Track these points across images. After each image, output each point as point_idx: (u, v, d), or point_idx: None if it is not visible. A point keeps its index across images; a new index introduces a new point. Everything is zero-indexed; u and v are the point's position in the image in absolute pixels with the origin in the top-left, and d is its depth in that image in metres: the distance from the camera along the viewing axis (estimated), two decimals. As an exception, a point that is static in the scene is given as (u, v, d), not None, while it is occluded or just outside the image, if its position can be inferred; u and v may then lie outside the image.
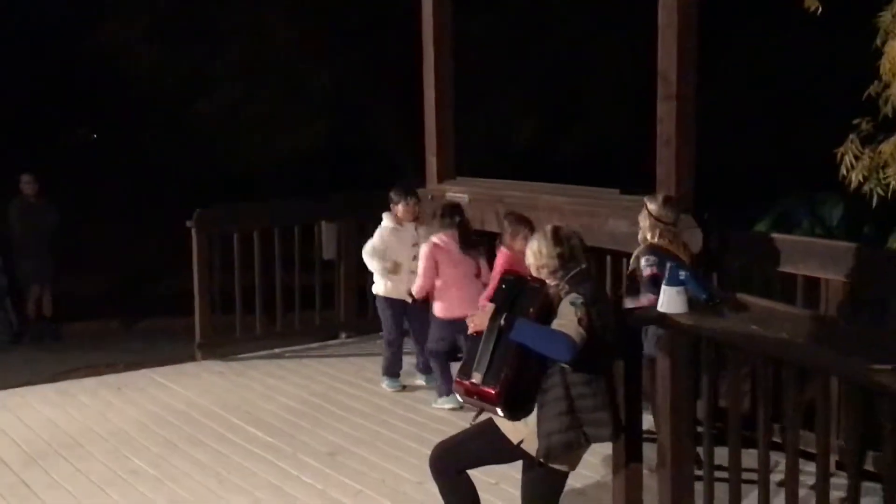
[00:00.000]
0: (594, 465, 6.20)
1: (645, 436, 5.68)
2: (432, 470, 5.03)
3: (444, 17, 8.79)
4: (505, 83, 16.60)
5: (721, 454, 5.29)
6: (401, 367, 8.28)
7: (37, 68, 21.43)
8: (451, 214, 7.68)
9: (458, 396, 5.37)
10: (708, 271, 6.65)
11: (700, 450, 5.46)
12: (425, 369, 8.27)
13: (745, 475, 5.10)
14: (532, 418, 4.71)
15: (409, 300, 7.94)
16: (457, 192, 8.54)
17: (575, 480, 5.95)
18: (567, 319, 4.56)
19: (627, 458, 5.42)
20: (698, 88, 6.83)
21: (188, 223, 9.02)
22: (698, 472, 5.42)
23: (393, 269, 7.98)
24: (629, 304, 6.07)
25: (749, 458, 5.10)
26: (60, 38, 20.33)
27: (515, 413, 4.73)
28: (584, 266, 4.84)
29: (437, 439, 5.49)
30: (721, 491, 5.16)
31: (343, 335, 9.89)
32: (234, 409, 7.79)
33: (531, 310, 4.69)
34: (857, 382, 4.69)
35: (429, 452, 5.09)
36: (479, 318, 4.77)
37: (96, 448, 7.03)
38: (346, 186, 9.23)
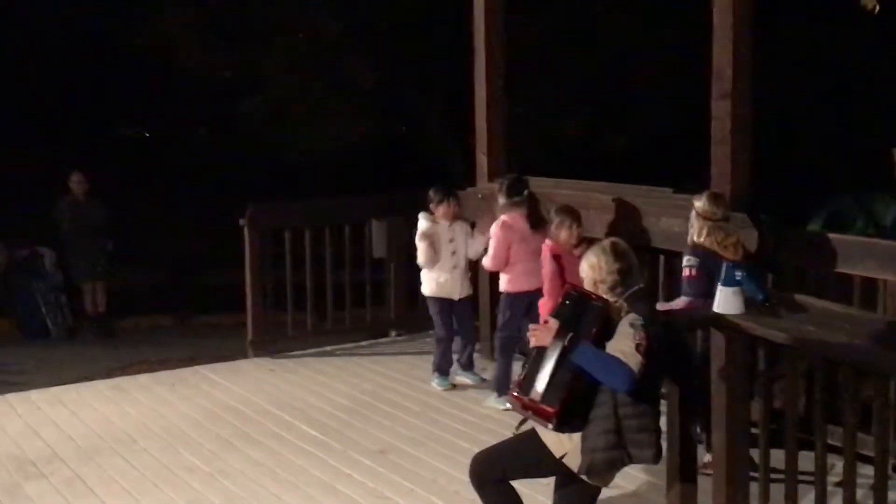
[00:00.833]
0: (646, 466, 6.14)
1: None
2: (472, 480, 5.00)
3: (496, 14, 8.76)
4: (555, 77, 16.55)
5: (776, 456, 5.25)
6: (450, 365, 8.29)
7: (87, 65, 21.63)
8: (519, 190, 7.62)
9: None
10: (764, 271, 6.59)
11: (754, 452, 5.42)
12: (467, 366, 8.32)
13: (800, 477, 5.07)
14: (577, 433, 4.70)
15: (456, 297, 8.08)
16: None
17: (627, 482, 5.95)
18: (626, 346, 4.53)
19: (682, 460, 5.39)
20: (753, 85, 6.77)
21: (241, 221, 9.06)
22: (752, 474, 5.40)
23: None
24: (661, 306, 6.02)
25: (804, 460, 5.07)
26: (111, 36, 20.50)
27: (564, 428, 4.72)
28: (642, 285, 4.84)
29: (489, 439, 5.49)
30: (776, 493, 5.12)
31: (393, 333, 9.91)
32: (286, 407, 7.83)
33: (593, 330, 4.67)
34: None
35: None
36: (542, 334, 4.75)
37: (150, 444, 7.09)
38: (395, 184, 9.23)
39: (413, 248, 8.31)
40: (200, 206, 16.71)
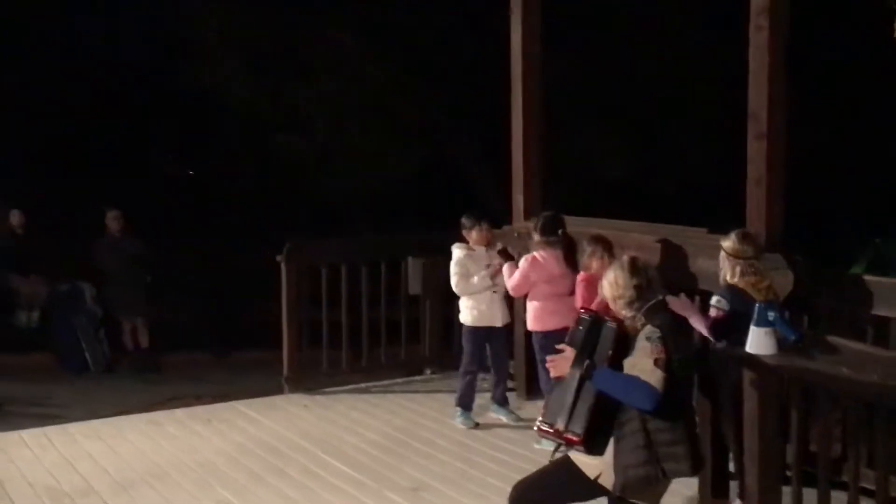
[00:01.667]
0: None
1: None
2: None
3: (532, 53, 8.80)
4: (597, 119, 16.58)
5: (809, 498, 5.21)
6: (473, 400, 8.26)
7: (132, 103, 21.95)
8: (553, 230, 7.64)
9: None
10: (798, 312, 6.55)
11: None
12: (501, 401, 8.30)
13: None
14: (608, 452, 4.69)
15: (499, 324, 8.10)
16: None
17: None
18: (644, 362, 4.52)
19: (714, 496, 5.35)
20: (794, 127, 6.75)
21: (278, 257, 9.13)
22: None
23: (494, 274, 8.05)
24: None
25: (837, 503, 5.02)
26: (156, 73, 20.82)
27: (595, 450, 4.72)
28: (660, 298, 4.80)
29: (522, 477, 5.46)
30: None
31: (428, 370, 9.91)
32: (319, 443, 7.84)
33: (610, 352, 4.67)
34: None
35: (513, 490, 5.07)
36: (559, 364, 4.77)
37: (184, 478, 7.12)
38: (436, 222, 9.25)
39: (449, 287, 8.32)
40: (242, 242, 16.84)
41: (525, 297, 7.88)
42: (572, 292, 7.42)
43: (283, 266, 9.14)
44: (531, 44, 8.80)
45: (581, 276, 7.16)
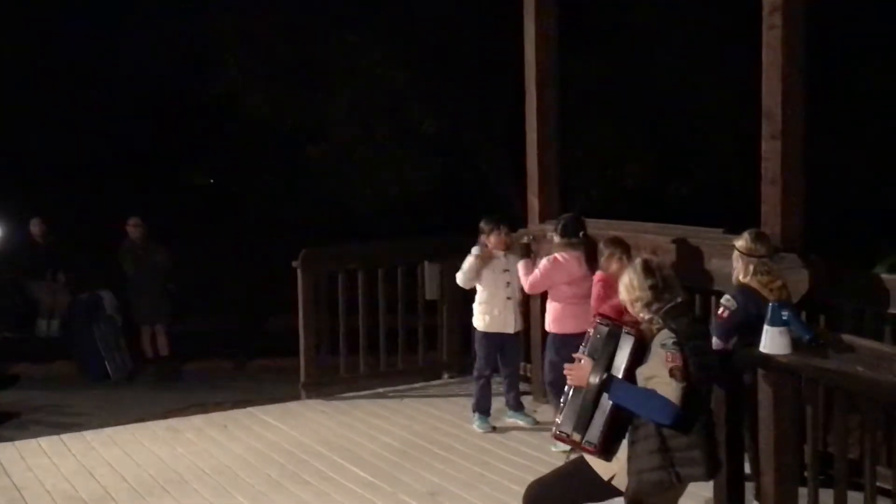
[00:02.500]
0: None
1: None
2: None
3: (547, 57, 8.78)
4: (618, 122, 16.54)
5: (826, 499, 5.14)
6: (490, 404, 8.24)
7: (158, 114, 22.10)
8: (575, 231, 7.60)
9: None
10: (815, 312, 6.48)
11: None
12: (516, 406, 8.27)
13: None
14: (623, 453, 4.65)
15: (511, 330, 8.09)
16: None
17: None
18: (660, 373, 4.46)
19: (729, 500, 5.30)
20: (815, 128, 6.68)
21: (294, 263, 9.13)
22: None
23: (484, 256, 7.99)
24: None
25: (854, 502, 4.95)
26: (181, 85, 20.95)
27: (611, 456, 4.70)
28: (679, 300, 4.71)
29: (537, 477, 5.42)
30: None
31: (446, 375, 9.88)
32: (336, 448, 7.83)
33: (628, 361, 4.60)
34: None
35: (531, 496, 5.05)
36: (576, 374, 4.72)
37: (201, 484, 7.12)
38: (458, 228, 9.23)
39: (466, 291, 8.30)
40: (265, 250, 16.91)
41: (542, 300, 7.83)
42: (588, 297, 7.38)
43: (299, 272, 9.14)
44: (545, 48, 8.77)
45: (598, 275, 7.11)
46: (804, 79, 6.66)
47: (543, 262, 7.62)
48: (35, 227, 14.16)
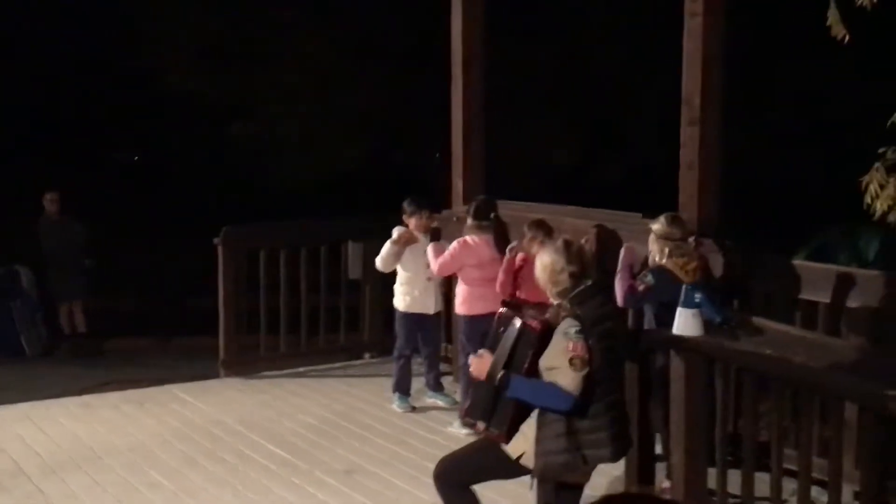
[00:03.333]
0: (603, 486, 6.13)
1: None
2: (436, 483, 5.05)
3: (473, 39, 8.79)
4: (546, 106, 16.64)
5: (734, 480, 5.25)
6: (409, 384, 8.28)
7: (81, 90, 21.72)
8: (486, 214, 7.65)
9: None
10: (731, 296, 6.59)
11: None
12: (435, 387, 8.32)
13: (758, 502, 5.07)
14: (531, 433, 4.70)
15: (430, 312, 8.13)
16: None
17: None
18: (559, 362, 4.50)
19: (639, 479, 5.39)
20: (734, 115, 6.79)
21: (215, 241, 9.06)
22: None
23: (401, 240, 7.99)
24: None
25: (761, 483, 5.06)
26: (105, 61, 20.62)
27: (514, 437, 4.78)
28: (589, 283, 4.72)
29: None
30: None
31: (367, 355, 9.86)
32: (253, 426, 7.80)
33: (529, 354, 4.65)
34: (873, 408, 4.63)
35: (448, 473, 5.09)
36: (478, 366, 4.79)
37: (116, 461, 7.06)
38: (384, 209, 9.21)
39: (389, 272, 8.30)
40: (188, 228, 16.74)
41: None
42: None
43: (219, 249, 9.06)
44: (472, 30, 8.79)
45: (520, 256, 7.13)
46: (722, 66, 6.76)
47: (453, 245, 7.66)
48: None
